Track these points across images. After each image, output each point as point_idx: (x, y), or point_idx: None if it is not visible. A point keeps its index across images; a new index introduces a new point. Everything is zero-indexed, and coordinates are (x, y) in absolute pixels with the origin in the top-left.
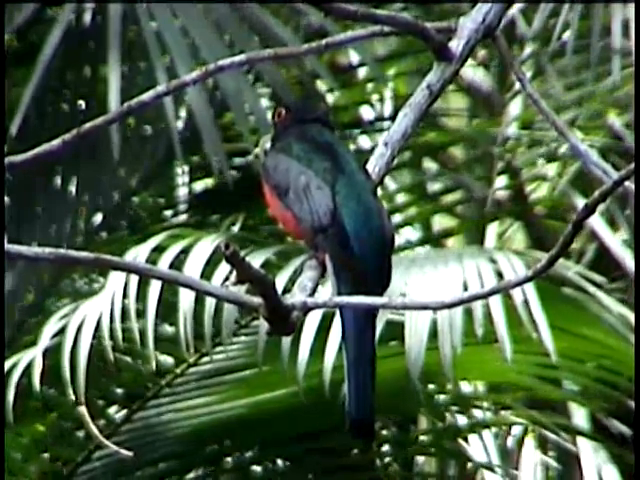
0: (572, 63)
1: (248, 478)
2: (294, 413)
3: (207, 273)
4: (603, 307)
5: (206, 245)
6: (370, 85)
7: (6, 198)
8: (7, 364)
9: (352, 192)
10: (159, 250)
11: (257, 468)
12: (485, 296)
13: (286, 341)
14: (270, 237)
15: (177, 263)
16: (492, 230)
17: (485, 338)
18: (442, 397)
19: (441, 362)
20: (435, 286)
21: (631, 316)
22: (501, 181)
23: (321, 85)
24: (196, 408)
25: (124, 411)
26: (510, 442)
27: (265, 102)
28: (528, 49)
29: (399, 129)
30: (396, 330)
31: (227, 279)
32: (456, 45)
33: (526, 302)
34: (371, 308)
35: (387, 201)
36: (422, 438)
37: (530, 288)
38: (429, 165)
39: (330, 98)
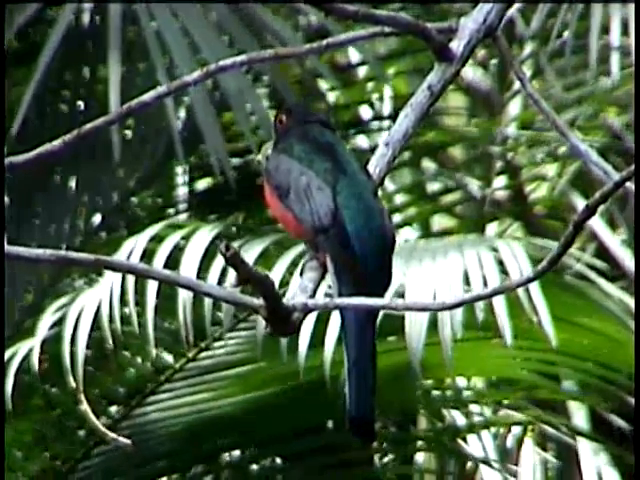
0: (571, 63)
1: (247, 474)
2: (293, 409)
3: (204, 266)
4: (604, 294)
5: (204, 235)
6: (370, 84)
7: (6, 198)
8: (7, 353)
9: (353, 193)
10: (157, 240)
11: (255, 465)
12: (487, 297)
13: None
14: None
15: (175, 254)
16: (491, 230)
17: (485, 334)
18: (440, 393)
19: (440, 358)
20: (435, 276)
21: (631, 302)
22: (500, 181)
23: (321, 84)
24: (195, 404)
25: (123, 407)
26: (510, 441)
27: (265, 102)
28: (527, 49)
29: (400, 129)
30: (395, 324)
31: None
32: (457, 45)
33: (527, 290)
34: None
35: (386, 201)
36: (421, 436)
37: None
38: (428, 165)
39: (331, 97)
